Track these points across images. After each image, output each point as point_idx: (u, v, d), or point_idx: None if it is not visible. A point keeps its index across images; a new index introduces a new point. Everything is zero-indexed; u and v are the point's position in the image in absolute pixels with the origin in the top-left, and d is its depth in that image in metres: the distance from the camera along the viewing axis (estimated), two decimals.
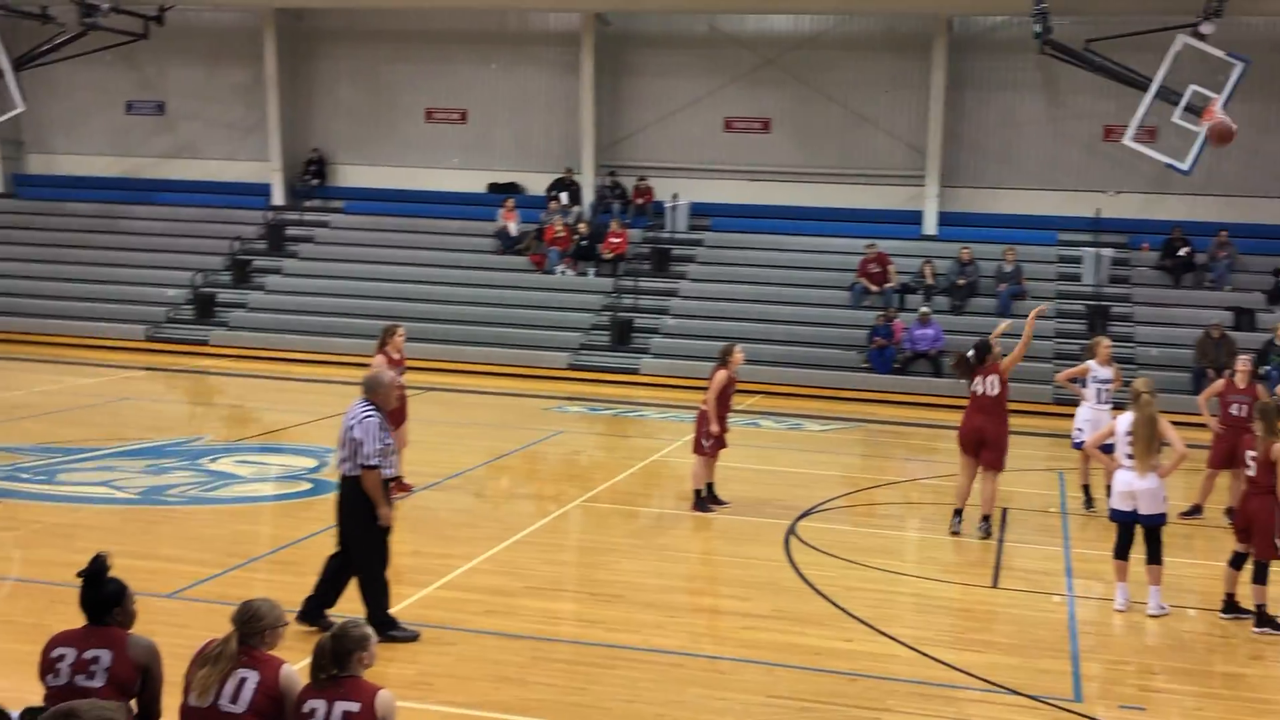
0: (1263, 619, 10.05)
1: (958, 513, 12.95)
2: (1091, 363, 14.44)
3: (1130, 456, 10.34)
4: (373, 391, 9.12)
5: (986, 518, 12.84)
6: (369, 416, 8.91)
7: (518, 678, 8.34)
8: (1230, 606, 10.34)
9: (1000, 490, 13.14)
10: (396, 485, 13.42)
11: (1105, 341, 14.70)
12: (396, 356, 13.51)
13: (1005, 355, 13.01)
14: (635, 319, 25.90)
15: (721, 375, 13.41)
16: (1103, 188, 27.51)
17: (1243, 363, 13.85)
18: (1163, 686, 8.89)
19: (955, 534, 12.80)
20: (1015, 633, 9.88)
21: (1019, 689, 8.52)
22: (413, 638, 8.94)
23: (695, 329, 25.79)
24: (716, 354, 13.84)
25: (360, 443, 8.82)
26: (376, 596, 8.99)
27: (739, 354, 13.69)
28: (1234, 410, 13.49)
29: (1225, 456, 13.35)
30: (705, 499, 13.56)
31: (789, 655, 9.10)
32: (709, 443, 13.38)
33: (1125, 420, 10.49)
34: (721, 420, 13.43)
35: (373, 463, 8.80)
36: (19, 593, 10.01)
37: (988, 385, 12.84)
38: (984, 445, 12.77)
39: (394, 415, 13.23)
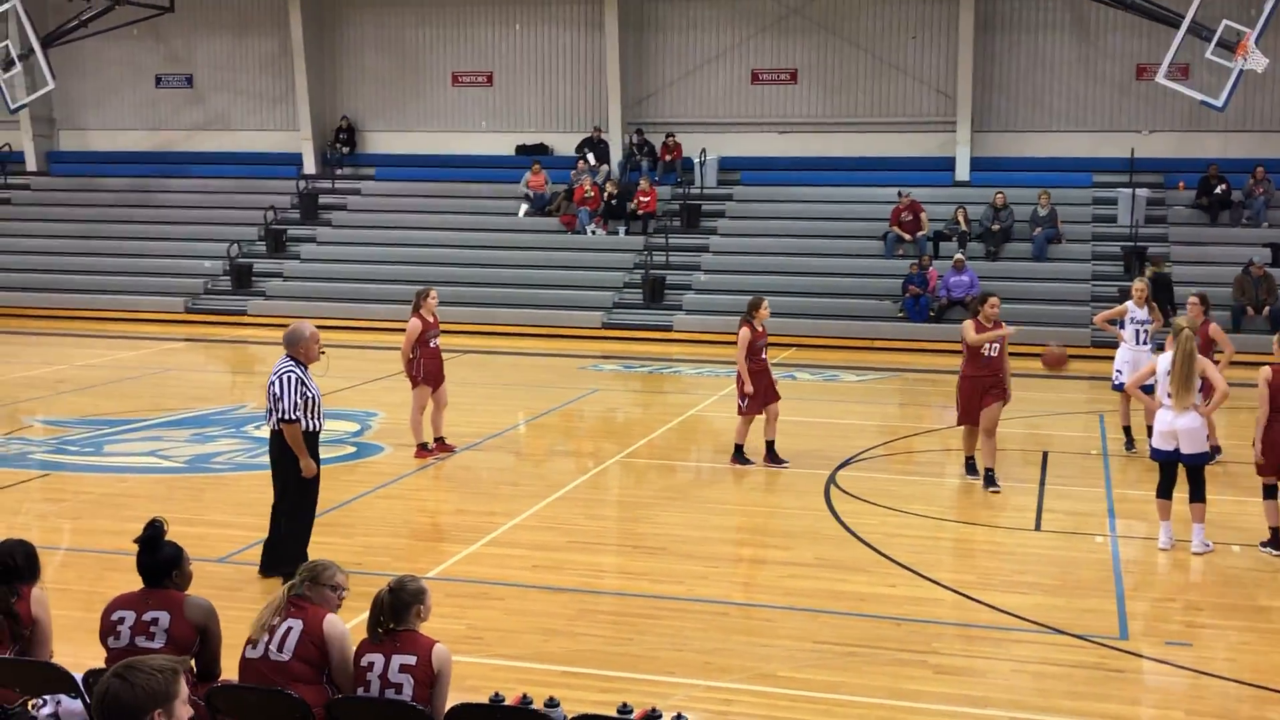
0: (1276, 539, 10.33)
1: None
2: (1129, 304, 14.37)
3: (1170, 395, 10.30)
4: (292, 346, 9.43)
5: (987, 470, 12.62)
6: (287, 373, 9.25)
7: (566, 630, 8.45)
8: (1275, 540, 10.35)
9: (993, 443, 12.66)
10: (439, 445, 13.61)
11: (1140, 283, 14.61)
12: (430, 319, 13.61)
13: (984, 323, 12.55)
14: (667, 276, 25.90)
15: (745, 332, 13.14)
16: (1137, 127, 27.23)
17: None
18: (1207, 622, 8.91)
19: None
20: (1059, 574, 9.91)
21: (1064, 628, 8.56)
22: None
23: (727, 284, 25.78)
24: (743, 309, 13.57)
25: (279, 398, 9.19)
26: (297, 537, 9.36)
27: (765, 308, 13.37)
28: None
29: None
30: (742, 455, 13.45)
31: (833, 602, 9.17)
32: (744, 402, 13.27)
33: (1166, 359, 10.45)
34: (755, 377, 13.20)
35: (291, 417, 9.15)
36: (72, 562, 10.20)
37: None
38: None
39: (432, 377, 13.45)
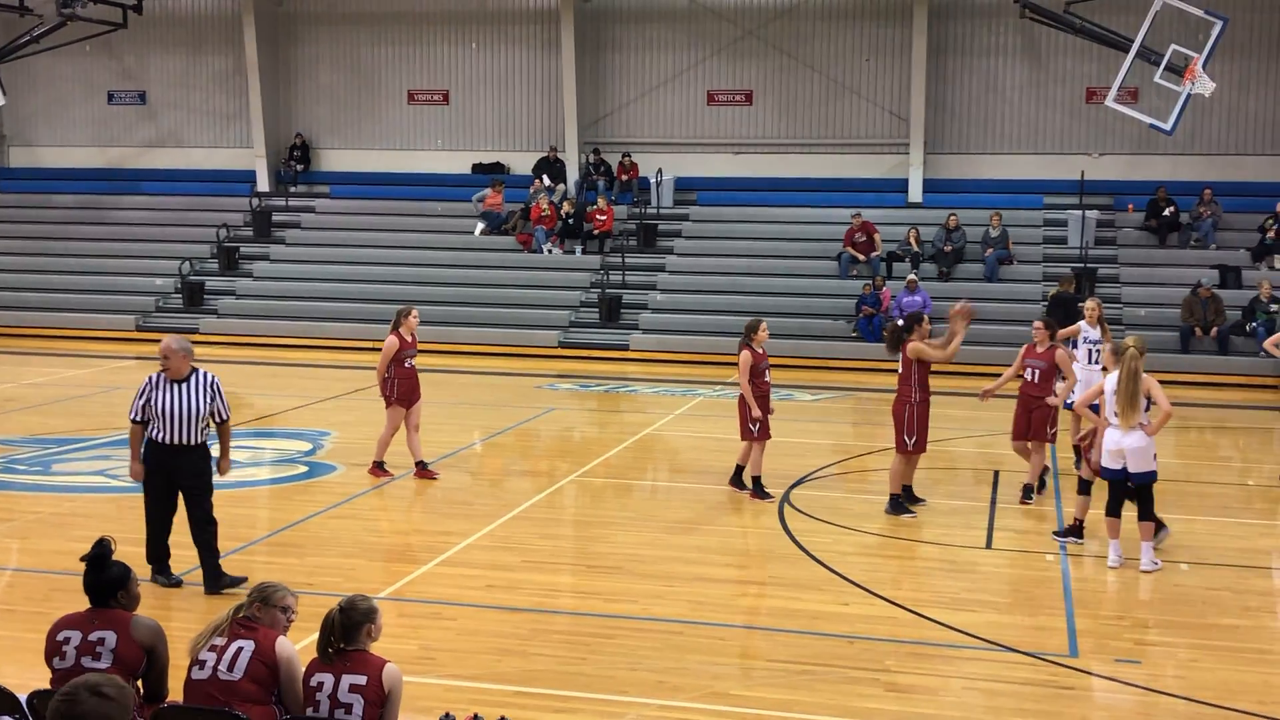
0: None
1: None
2: (1081, 323, 14.50)
3: (1116, 414, 10.42)
4: (162, 359, 9.77)
5: (892, 495, 12.45)
6: (146, 378, 9.76)
7: (520, 650, 8.41)
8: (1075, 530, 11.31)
9: (904, 468, 12.56)
10: (420, 470, 13.44)
11: (1092, 303, 14.74)
12: (409, 338, 13.49)
13: (929, 339, 12.46)
14: (623, 295, 25.93)
15: (745, 355, 12.69)
16: (1086, 150, 27.58)
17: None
18: (1157, 640, 9.00)
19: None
20: (1010, 591, 9.98)
21: (1015, 646, 8.62)
22: (176, 583, 9.72)
23: (683, 303, 25.87)
24: (741, 330, 13.05)
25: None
26: (147, 540, 9.77)
27: (763, 330, 12.84)
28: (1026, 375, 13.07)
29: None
30: (760, 488, 12.89)
31: (787, 620, 9.19)
32: (755, 428, 12.72)
33: (1113, 379, 10.57)
34: (761, 402, 12.71)
35: (130, 415, 9.70)
36: (18, 582, 10.06)
37: (900, 363, 12.54)
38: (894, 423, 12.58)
39: (405, 397, 13.28)
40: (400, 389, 13.40)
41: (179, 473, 9.65)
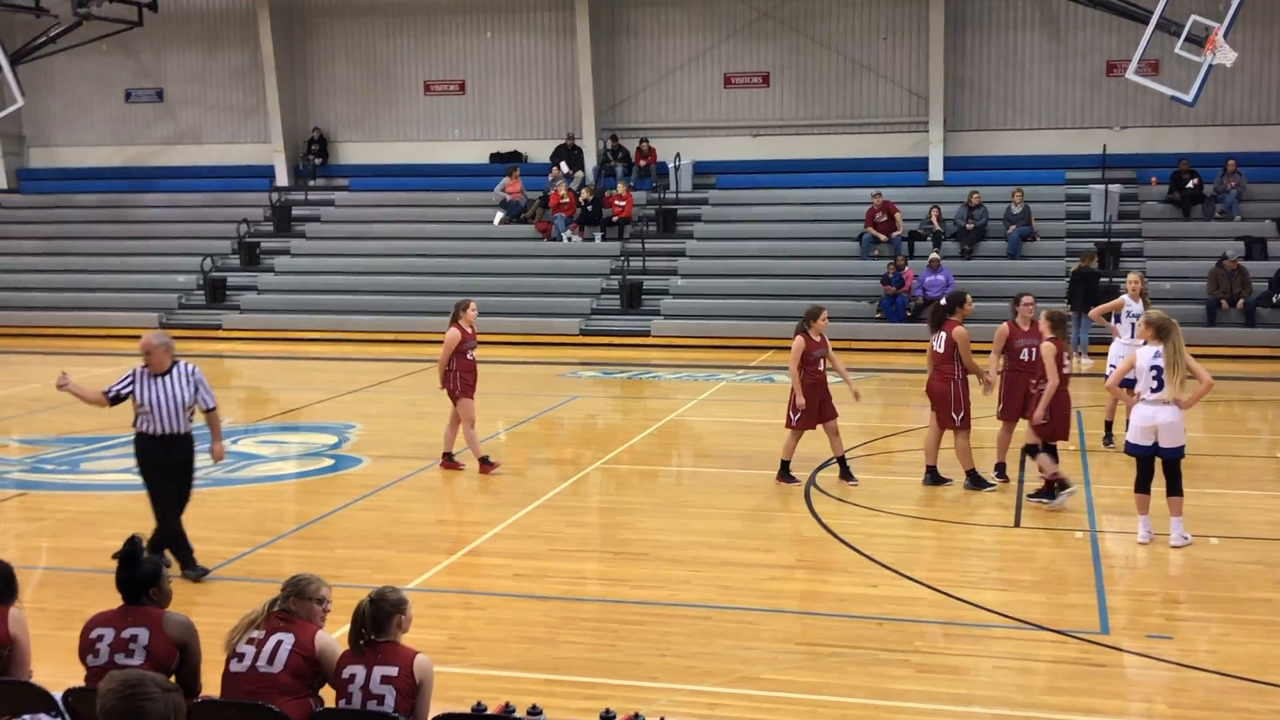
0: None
1: (928, 470, 12.71)
2: (1124, 297, 14.39)
3: (1154, 390, 10.27)
4: (144, 355, 10.03)
5: (968, 472, 12.50)
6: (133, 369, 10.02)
7: (548, 638, 8.42)
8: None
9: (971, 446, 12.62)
10: (445, 461, 13.40)
11: (1134, 276, 14.62)
12: (469, 330, 13.43)
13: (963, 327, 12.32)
14: (644, 281, 25.91)
15: (799, 341, 12.50)
16: (1108, 124, 27.39)
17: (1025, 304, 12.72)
18: (1188, 615, 8.94)
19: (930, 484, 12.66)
20: (1039, 570, 9.94)
21: (1045, 624, 8.58)
22: (201, 573, 9.89)
23: (704, 288, 25.84)
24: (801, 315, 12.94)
25: None
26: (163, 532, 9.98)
27: (823, 318, 12.63)
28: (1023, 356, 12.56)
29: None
30: (787, 472, 12.81)
31: (815, 603, 9.18)
32: (796, 416, 12.62)
33: (1146, 353, 10.41)
34: (810, 390, 12.52)
35: (105, 389, 10.05)
36: (50, 581, 10.12)
37: (937, 341, 12.47)
38: (932, 401, 12.58)
39: (473, 387, 13.22)
40: (465, 381, 13.31)
41: (173, 461, 9.99)
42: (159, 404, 9.87)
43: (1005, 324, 12.54)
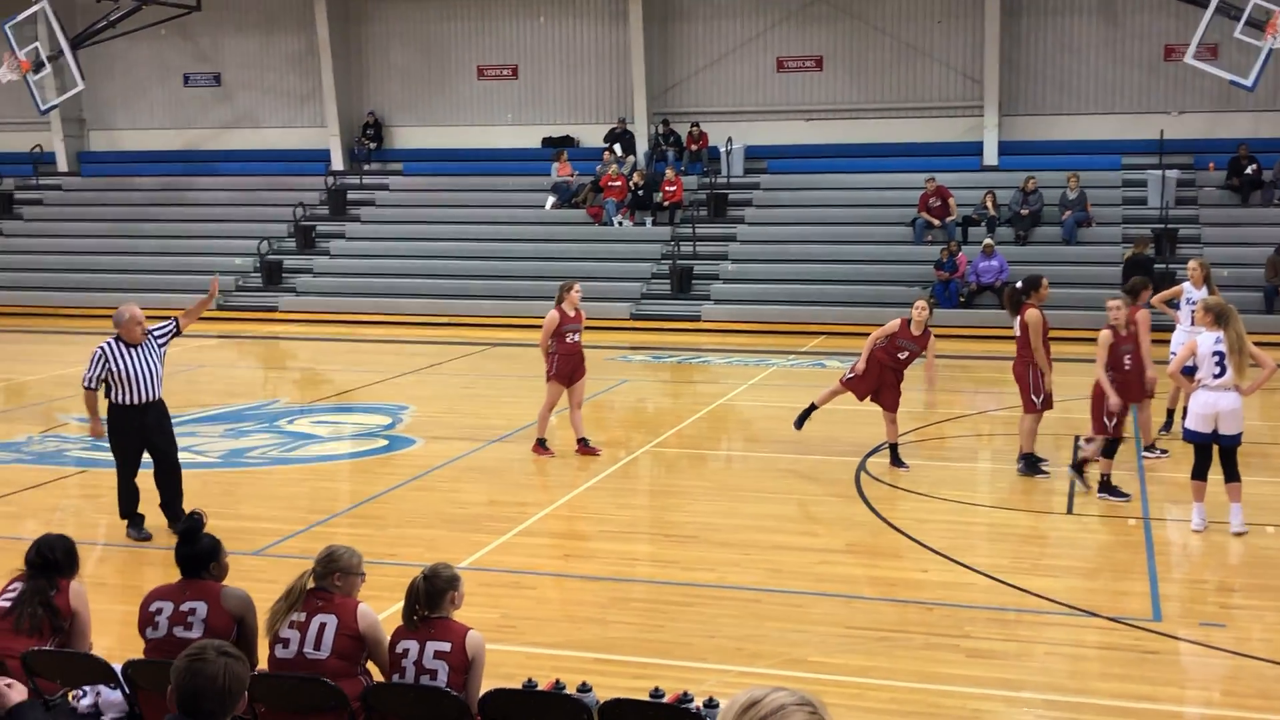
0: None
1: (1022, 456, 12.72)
2: (1185, 284, 14.24)
3: (1216, 376, 10.14)
4: (116, 326, 10.53)
5: (1024, 455, 12.48)
6: (96, 349, 10.43)
7: (598, 618, 8.48)
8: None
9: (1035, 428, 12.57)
10: (581, 448, 13.31)
11: (1195, 263, 14.47)
12: (571, 313, 13.36)
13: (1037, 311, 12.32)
14: (695, 266, 25.90)
15: (892, 324, 12.70)
16: (1166, 108, 27.04)
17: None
18: (1242, 603, 8.87)
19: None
20: (1092, 557, 9.89)
21: (1097, 611, 8.54)
22: (145, 538, 10.43)
23: (755, 273, 25.80)
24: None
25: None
26: (118, 497, 10.58)
27: (919, 309, 12.72)
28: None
29: None
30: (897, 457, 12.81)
31: (865, 587, 9.18)
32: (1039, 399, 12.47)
33: (1207, 340, 10.27)
34: (886, 374, 12.68)
35: (85, 384, 10.44)
36: (109, 556, 10.31)
37: (1016, 325, 12.49)
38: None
39: (565, 374, 13.20)
40: (561, 365, 13.25)
41: (148, 429, 10.48)
42: (139, 375, 10.37)
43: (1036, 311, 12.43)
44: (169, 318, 11.10)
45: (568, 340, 13.30)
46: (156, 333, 10.67)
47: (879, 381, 12.74)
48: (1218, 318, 10.22)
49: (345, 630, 5.71)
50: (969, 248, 24.55)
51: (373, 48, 31.48)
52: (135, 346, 10.44)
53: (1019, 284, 12.78)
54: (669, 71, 29.66)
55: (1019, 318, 12.41)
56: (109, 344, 10.43)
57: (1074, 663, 7.74)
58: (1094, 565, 9.66)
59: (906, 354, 12.77)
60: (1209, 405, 10.16)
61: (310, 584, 5.87)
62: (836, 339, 22.80)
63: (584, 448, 13.43)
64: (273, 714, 5.60)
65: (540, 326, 13.56)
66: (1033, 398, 12.34)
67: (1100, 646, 7.98)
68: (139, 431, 10.46)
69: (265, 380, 21.07)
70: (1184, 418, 10.72)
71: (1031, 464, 12.43)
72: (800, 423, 13.11)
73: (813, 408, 13.09)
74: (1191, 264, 14.38)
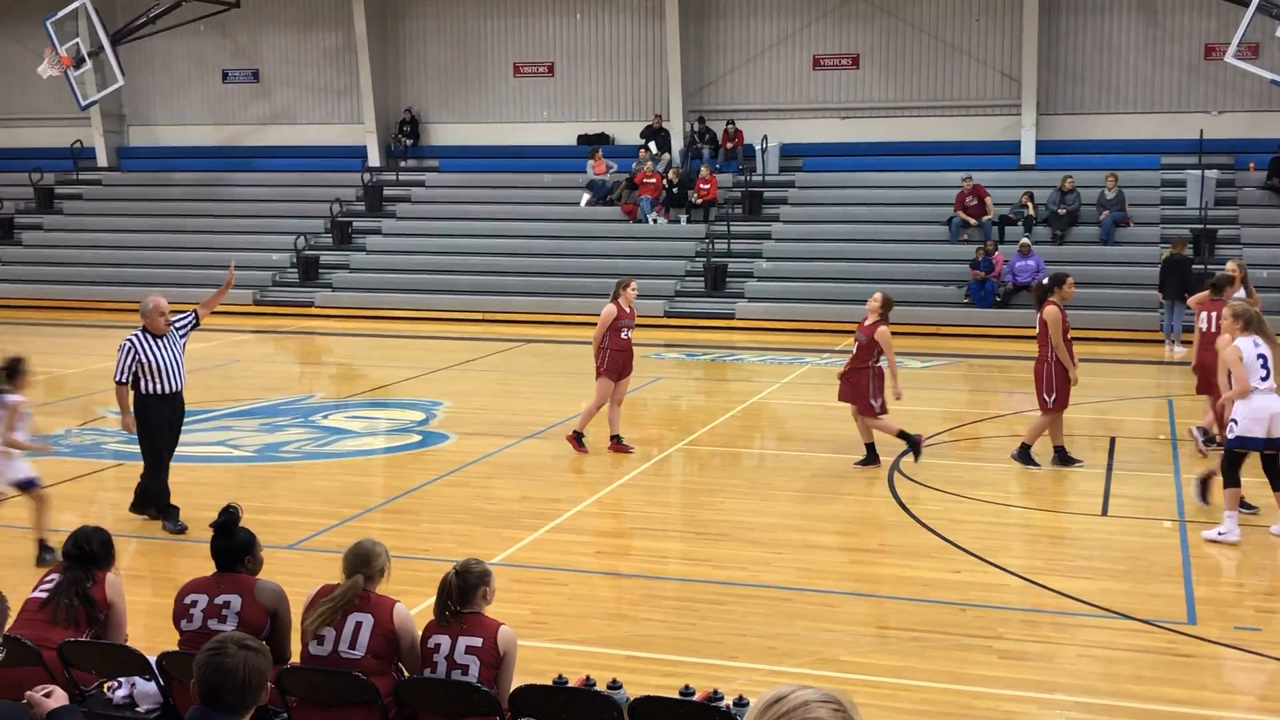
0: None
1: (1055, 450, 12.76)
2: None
3: (1264, 379, 9.95)
4: (142, 316, 10.75)
5: (1021, 445, 12.72)
6: (124, 342, 10.57)
7: (630, 615, 8.50)
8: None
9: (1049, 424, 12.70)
10: (614, 445, 13.39)
11: (1233, 264, 14.37)
12: (627, 309, 13.43)
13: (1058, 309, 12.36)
14: (729, 264, 25.87)
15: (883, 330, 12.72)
16: (1205, 108, 26.78)
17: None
18: (1278, 607, 8.79)
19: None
20: (1126, 559, 9.82)
21: (1131, 613, 8.49)
22: (181, 529, 10.54)
23: (789, 271, 25.74)
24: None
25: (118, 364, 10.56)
26: (153, 488, 10.79)
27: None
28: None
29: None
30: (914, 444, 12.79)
31: (897, 588, 9.15)
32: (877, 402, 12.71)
33: (1247, 345, 10.07)
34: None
35: (118, 379, 10.55)
36: (145, 549, 10.40)
37: (1037, 321, 12.70)
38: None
39: (616, 370, 13.31)
40: (611, 361, 13.30)
41: (176, 416, 10.84)
42: (166, 364, 10.58)
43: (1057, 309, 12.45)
44: (188, 310, 11.25)
45: (622, 336, 13.36)
46: (178, 324, 10.86)
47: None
48: (1248, 323, 10.13)
49: (381, 630, 5.70)
50: (1005, 247, 24.42)
51: (410, 44, 31.60)
52: (160, 337, 10.65)
53: (1045, 279, 12.85)
54: (705, 69, 29.63)
55: (1039, 314, 12.54)
56: (136, 336, 10.61)
57: (1107, 665, 7.69)
58: (1128, 567, 9.59)
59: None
60: (1265, 409, 9.92)
61: (359, 587, 5.78)
62: None
63: (617, 445, 13.45)
64: (305, 706, 5.64)
65: (594, 322, 13.61)
66: (1045, 396, 12.44)
67: (1133, 649, 7.93)
68: (169, 421, 10.71)
69: (300, 375, 21.20)
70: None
71: (1024, 454, 12.66)
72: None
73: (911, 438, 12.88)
74: (1230, 265, 14.27)
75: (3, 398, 9.46)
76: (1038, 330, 12.62)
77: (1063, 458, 12.65)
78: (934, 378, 19.32)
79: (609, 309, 13.34)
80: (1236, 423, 10.09)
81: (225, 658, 4.00)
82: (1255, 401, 10.00)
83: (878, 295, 12.91)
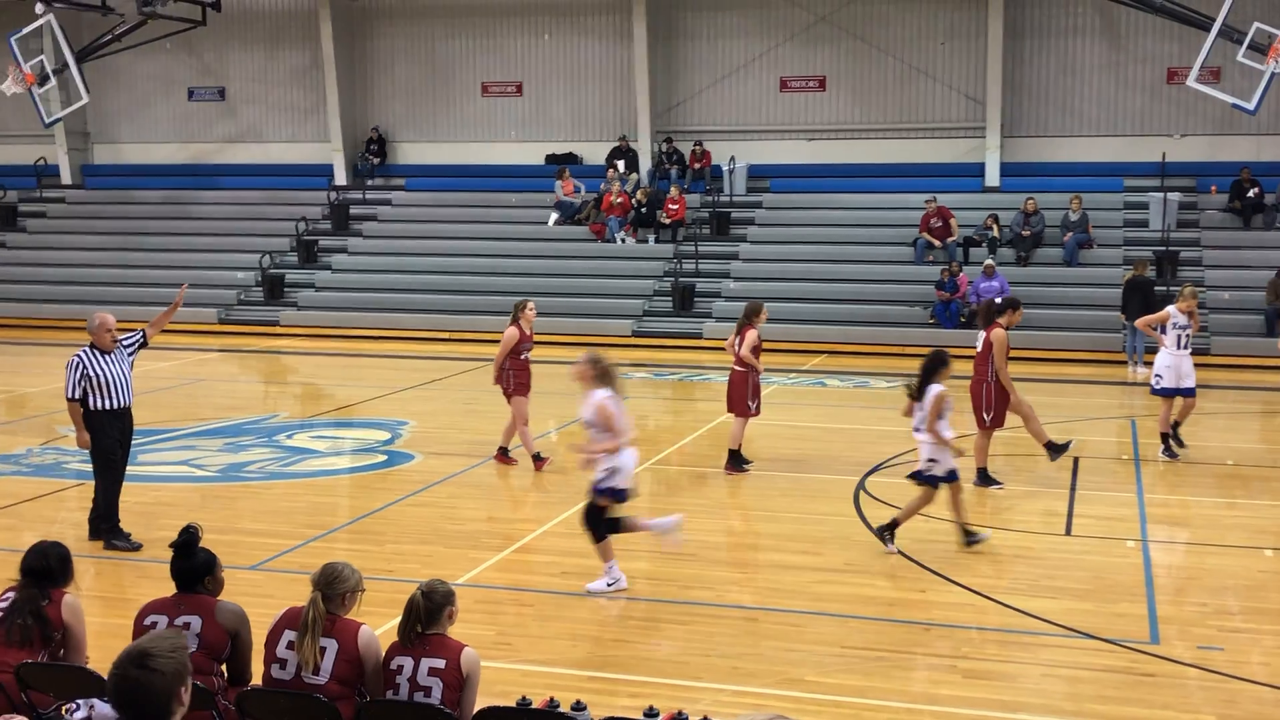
0: None
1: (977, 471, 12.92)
2: (1171, 308, 14.34)
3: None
4: (89, 332, 10.73)
5: (978, 470, 12.87)
6: (73, 358, 10.62)
7: (595, 635, 8.47)
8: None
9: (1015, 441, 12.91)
10: (499, 456, 13.59)
11: (1189, 289, 14.62)
12: (528, 331, 13.64)
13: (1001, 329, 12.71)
14: (697, 284, 25.92)
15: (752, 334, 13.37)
16: (1168, 131, 27.08)
17: None
18: (1241, 626, 8.85)
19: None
20: (1089, 578, 9.86)
21: (1095, 633, 8.52)
22: (135, 548, 10.59)
23: (757, 291, 25.73)
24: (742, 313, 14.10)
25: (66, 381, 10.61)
26: (96, 504, 10.85)
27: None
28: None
29: None
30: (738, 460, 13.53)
31: (862, 607, 9.16)
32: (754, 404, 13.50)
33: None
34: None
35: (69, 396, 10.59)
36: (106, 570, 10.29)
37: (979, 340, 12.98)
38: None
39: (527, 386, 13.55)
40: (518, 380, 13.57)
41: (126, 433, 10.88)
42: (114, 380, 10.62)
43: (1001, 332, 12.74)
44: (136, 329, 11.25)
45: (522, 358, 13.66)
46: (125, 342, 10.86)
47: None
48: None
49: (346, 655, 5.63)
50: (970, 268, 24.57)
51: (377, 63, 31.57)
52: (108, 353, 10.67)
53: (998, 300, 13.06)
54: (673, 90, 29.73)
55: (985, 334, 12.65)
56: (84, 352, 10.65)
57: (1071, 684, 7.72)
58: (1091, 587, 9.63)
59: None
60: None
61: (323, 608, 5.73)
62: (837, 357, 22.81)
63: (503, 456, 13.80)
64: None
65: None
66: (983, 414, 12.73)
67: (1097, 669, 7.96)
68: (117, 436, 10.77)
69: (265, 394, 21.07)
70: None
71: (985, 477, 12.83)
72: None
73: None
74: (1185, 291, 14.55)
75: None
76: (979, 350, 12.85)
77: (989, 475, 12.88)
78: (899, 398, 19.27)
79: (510, 332, 13.54)
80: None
81: (124, 680, 3.74)
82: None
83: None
